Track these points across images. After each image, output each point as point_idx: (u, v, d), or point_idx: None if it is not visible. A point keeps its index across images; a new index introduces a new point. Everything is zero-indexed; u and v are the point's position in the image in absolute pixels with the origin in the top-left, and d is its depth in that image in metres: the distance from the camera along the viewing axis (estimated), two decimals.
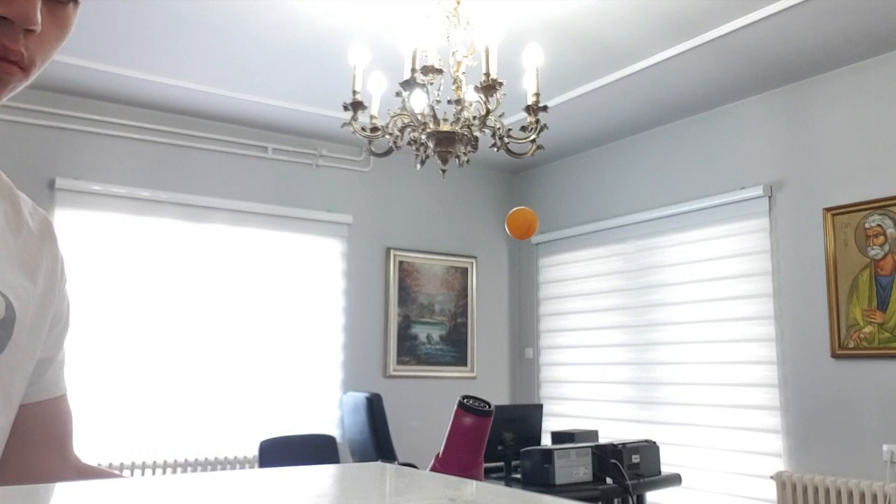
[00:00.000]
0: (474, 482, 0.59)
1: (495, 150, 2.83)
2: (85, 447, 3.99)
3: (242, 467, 4.50)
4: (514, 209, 3.20)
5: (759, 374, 4.06)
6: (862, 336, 3.62)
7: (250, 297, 4.72)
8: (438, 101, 2.76)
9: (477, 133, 2.80)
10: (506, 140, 2.79)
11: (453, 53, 2.85)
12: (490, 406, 1.23)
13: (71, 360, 0.90)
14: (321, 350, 4.94)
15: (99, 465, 3.92)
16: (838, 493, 3.57)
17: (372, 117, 2.91)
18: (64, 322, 0.83)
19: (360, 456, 4.22)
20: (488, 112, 2.66)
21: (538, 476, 3.12)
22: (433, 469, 1.20)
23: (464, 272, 5.63)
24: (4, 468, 0.73)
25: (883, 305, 3.56)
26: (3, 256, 0.72)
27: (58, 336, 0.82)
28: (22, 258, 0.75)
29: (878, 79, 3.70)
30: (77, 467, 0.85)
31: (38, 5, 0.61)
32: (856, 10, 3.25)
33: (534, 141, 2.78)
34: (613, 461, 3.25)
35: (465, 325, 5.57)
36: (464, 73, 2.81)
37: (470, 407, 1.20)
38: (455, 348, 5.50)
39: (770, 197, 4.11)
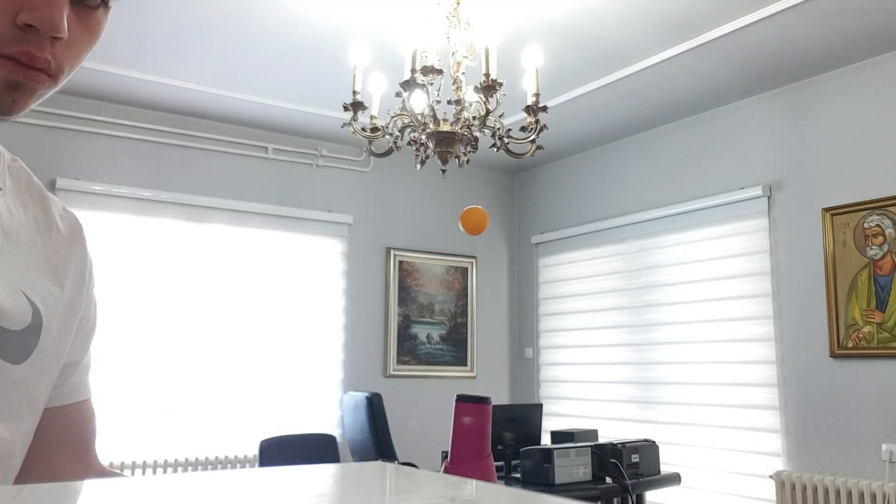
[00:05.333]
0: (474, 482, 0.59)
1: (495, 150, 2.83)
2: None
3: (243, 466, 4.50)
4: (468, 208, 3.26)
5: (759, 373, 4.07)
6: (861, 336, 3.62)
7: (251, 297, 4.72)
8: (438, 102, 2.77)
9: (477, 133, 2.81)
10: (505, 140, 2.80)
11: (453, 54, 2.86)
12: (486, 397, 1.25)
13: None
14: (321, 350, 4.94)
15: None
16: (837, 493, 3.58)
17: (372, 117, 2.92)
18: (91, 325, 0.82)
19: (361, 455, 4.22)
20: (488, 112, 2.66)
21: (538, 475, 3.13)
22: (446, 471, 1.21)
23: (464, 272, 5.63)
24: (26, 472, 0.73)
25: (882, 305, 3.56)
26: (31, 261, 0.72)
27: (84, 339, 0.81)
28: (50, 262, 0.74)
29: (878, 79, 3.71)
30: (99, 472, 0.84)
31: (65, 12, 0.61)
32: (855, 11, 3.25)
33: (533, 141, 2.78)
34: (613, 461, 3.25)
35: (465, 325, 5.57)
36: (464, 73, 2.82)
37: (466, 397, 1.23)
38: (455, 348, 5.50)
39: (769, 197, 4.12)
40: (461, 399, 1.24)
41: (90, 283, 0.82)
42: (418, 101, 2.71)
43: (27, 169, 0.78)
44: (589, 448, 3.26)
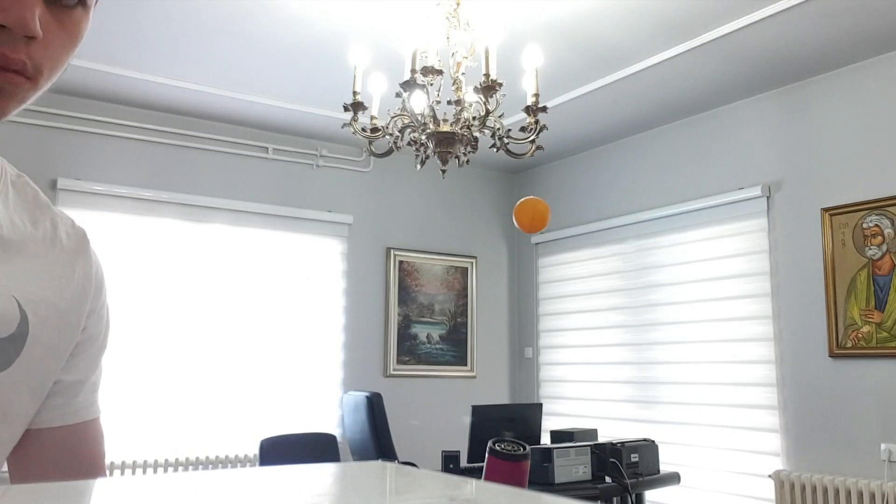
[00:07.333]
0: (474, 481, 0.59)
1: (495, 150, 2.84)
2: None
3: (243, 466, 4.51)
4: (523, 200, 3.18)
5: (758, 373, 4.07)
6: (860, 336, 3.63)
7: (251, 297, 4.73)
8: (438, 102, 2.77)
9: (477, 133, 2.81)
10: (505, 140, 2.80)
11: (453, 54, 2.86)
12: (525, 448, 1.12)
13: None
14: (322, 349, 4.95)
15: None
16: (836, 492, 3.58)
17: (372, 118, 2.92)
18: (100, 343, 0.81)
19: (361, 455, 4.23)
20: (488, 113, 2.67)
21: (538, 475, 3.13)
22: None
23: (464, 272, 5.64)
24: None
25: (881, 305, 3.57)
26: (31, 270, 0.71)
27: (92, 357, 0.80)
28: (54, 273, 0.74)
29: (877, 79, 3.71)
30: None
31: (37, 11, 0.59)
32: (855, 11, 3.26)
33: (533, 141, 2.79)
34: (612, 460, 3.26)
35: (465, 324, 5.58)
36: (463, 73, 2.82)
37: (502, 453, 1.09)
38: (455, 348, 5.51)
39: (768, 197, 4.12)
40: (496, 454, 1.11)
41: (97, 299, 0.81)
42: (418, 102, 2.72)
43: (33, 185, 0.77)
44: (588, 447, 3.27)
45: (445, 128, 2.76)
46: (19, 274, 0.70)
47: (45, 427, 0.76)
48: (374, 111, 2.95)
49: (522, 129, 2.80)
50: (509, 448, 1.09)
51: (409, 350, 5.31)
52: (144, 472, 4.21)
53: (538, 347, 5.60)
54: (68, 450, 0.78)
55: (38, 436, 0.76)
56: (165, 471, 4.27)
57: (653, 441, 3.52)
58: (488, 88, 2.60)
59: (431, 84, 2.71)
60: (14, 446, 0.74)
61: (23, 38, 0.59)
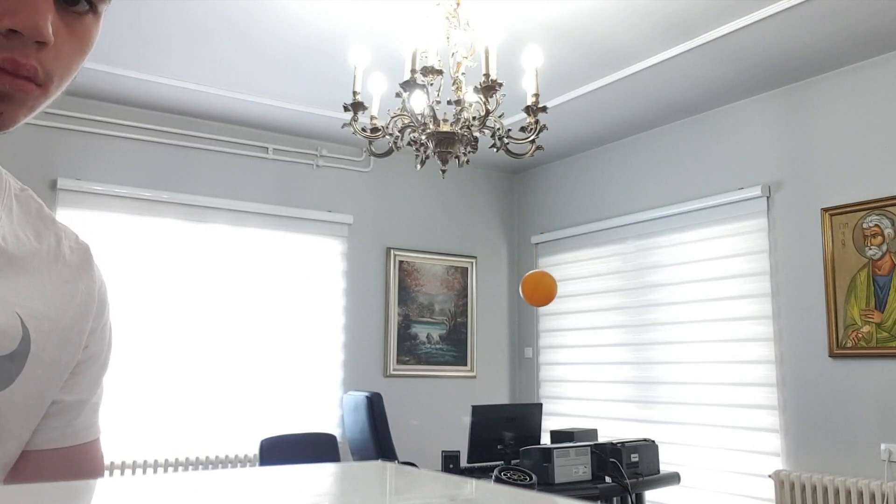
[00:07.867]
0: (474, 481, 0.59)
1: (495, 150, 2.84)
2: None
3: (243, 466, 4.51)
4: (529, 273, 3.22)
5: (758, 373, 4.07)
6: (860, 336, 3.63)
7: (251, 298, 4.73)
8: (438, 102, 2.77)
9: (477, 133, 2.81)
10: (505, 140, 2.80)
11: (453, 54, 2.86)
12: (532, 478, 1.12)
13: None
14: (322, 349, 4.95)
15: None
16: (836, 492, 3.58)
17: (372, 118, 2.92)
18: (101, 362, 0.80)
19: (361, 455, 4.23)
20: (488, 113, 2.67)
21: (538, 475, 3.13)
22: None
23: (464, 272, 5.64)
24: None
25: (881, 305, 3.57)
26: (35, 286, 0.70)
27: (94, 377, 0.79)
28: (56, 289, 0.73)
29: (877, 79, 3.71)
30: None
31: (49, 17, 0.58)
32: (855, 11, 3.26)
33: (533, 141, 2.79)
34: (612, 460, 3.26)
35: (465, 324, 5.58)
36: (463, 73, 2.82)
37: (508, 483, 1.09)
38: (455, 348, 5.51)
39: (768, 197, 4.12)
40: (503, 484, 1.14)
41: (99, 317, 0.79)
42: (418, 102, 2.72)
43: (37, 199, 0.76)
44: (588, 447, 3.26)
45: (445, 128, 2.76)
46: (23, 289, 0.69)
47: (45, 448, 0.75)
48: (374, 111, 2.95)
49: (522, 129, 2.80)
50: (515, 477, 1.07)
51: (409, 350, 5.31)
52: (144, 472, 4.21)
53: (538, 347, 5.60)
54: (68, 471, 0.76)
55: (38, 457, 0.74)
56: (165, 471, 4.27)
57: (653, 441, 3.52)
58: (488, 88, 2.60)
59: (431, 84, 2.71)
60: (11, 468, 0.72)
61: (34, 44, 0.59)
